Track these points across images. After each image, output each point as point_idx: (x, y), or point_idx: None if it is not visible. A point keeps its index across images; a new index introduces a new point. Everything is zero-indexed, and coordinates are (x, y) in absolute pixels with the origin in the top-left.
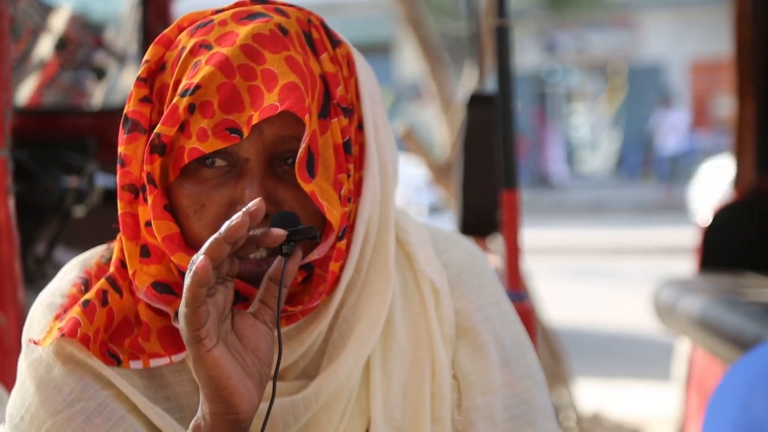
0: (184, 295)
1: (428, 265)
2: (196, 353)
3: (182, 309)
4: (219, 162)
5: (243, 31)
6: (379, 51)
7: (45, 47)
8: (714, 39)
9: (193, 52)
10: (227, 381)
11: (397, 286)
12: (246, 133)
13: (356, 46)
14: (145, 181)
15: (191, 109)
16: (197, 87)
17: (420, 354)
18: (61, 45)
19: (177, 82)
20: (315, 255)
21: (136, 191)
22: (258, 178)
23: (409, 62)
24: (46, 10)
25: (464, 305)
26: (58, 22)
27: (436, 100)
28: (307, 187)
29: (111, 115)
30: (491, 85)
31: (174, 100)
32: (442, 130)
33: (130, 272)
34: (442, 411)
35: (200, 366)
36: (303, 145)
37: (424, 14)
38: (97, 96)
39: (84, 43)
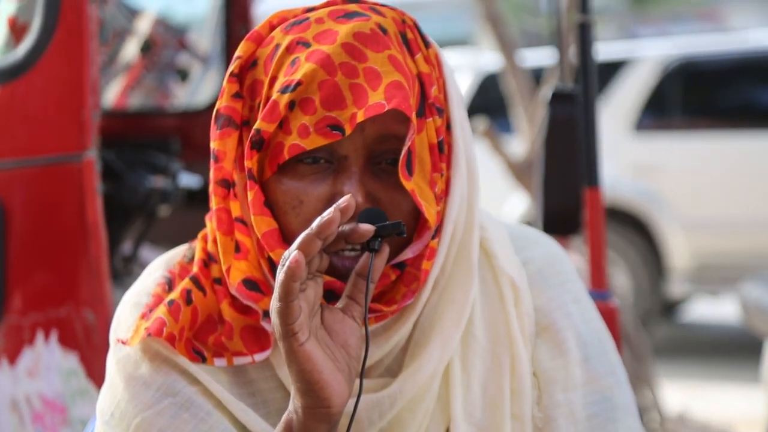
0: (276, 289)
1: (507, 262)
2: (289, 347)
3: (275, 303)
4: (318, 158)
5: (343, 29)
6: (457, 48)
7: (131, 50)
8: None
9: (290, 49)
10: (319, 375)
11: (477, 284)
12: (349, 130)
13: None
14: (246, 176)
15: (291, 105)
16: (298, 84)
17: (499, 351)
18: (146, 47)
19: (273, 79)
20: (408, 254)
21: (228, 186)
22: (357, 175)
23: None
24: (132, 14)
25: (544, 302)
26: (143, 25)
27: (516, 98)
28: (408, 185)
29: (194, 116)
30: (573, 81)
31: (273, 97)
32: (521, 128)
33: (224, 268)
34: (522, 408)
35: (293, 360)
36: (407, 143)
37: (503, 11)
38: (181, 97)
39: (168, 45)
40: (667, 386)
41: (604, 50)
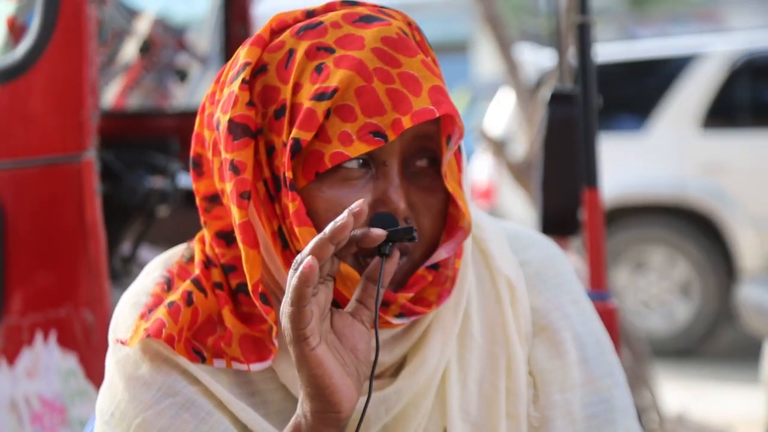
0: (289, 294)
1: (504, 262)
2: (300, 352)
3: (287, 308)
4: (363, 164)
5: (368, 34)
6: (457, 50)
7: (130, 50)
8: None
9: (310, 55)
10: (329, 380)
11: (473, 283)
12: (392, 136)
13: (433, 45)
14: (265, 187)
15: (326, 113)
16: (335, 90)
17: (495, 350)
18: (145, 48)
19: (297, 86)
20: (443, 254)
21: (249, 198)
22: (398, 180)
23: (487, 61)
24: (131, 14)
25: (542, 303)
26: (143, 26)
27: (515, 99)
28: (450, 186)
29: (193, 116)
30: (572, 82)
31: (307, 104)
32: (521, 128)
33: (252, 281)
34: (517, 407)
35: (303, 365)
36: (454, 147)
37: (503, 12)
38: (180, 97)
39: (167, 45)
40: (667, 386)
41: (670, 46)
